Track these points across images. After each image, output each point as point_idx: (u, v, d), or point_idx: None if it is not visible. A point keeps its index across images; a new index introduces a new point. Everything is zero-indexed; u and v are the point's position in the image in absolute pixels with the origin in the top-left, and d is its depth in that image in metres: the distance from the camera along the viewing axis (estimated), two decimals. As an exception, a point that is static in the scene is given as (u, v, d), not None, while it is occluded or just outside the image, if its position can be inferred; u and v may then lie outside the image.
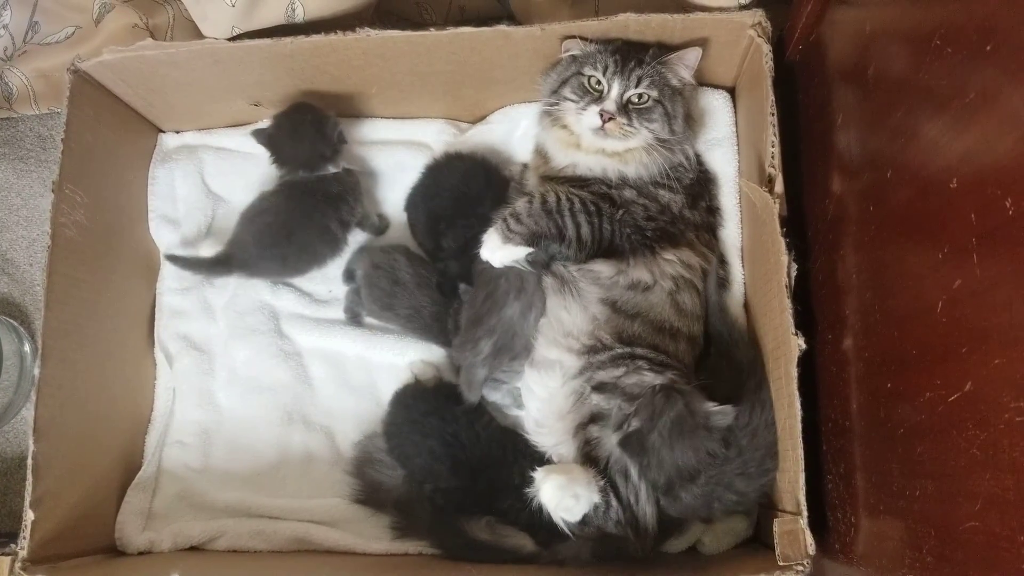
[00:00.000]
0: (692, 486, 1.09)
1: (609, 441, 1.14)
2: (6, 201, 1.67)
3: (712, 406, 1.09)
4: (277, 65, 1.31)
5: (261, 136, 1.37)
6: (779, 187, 1.11)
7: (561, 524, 1.11)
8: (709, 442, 1.08)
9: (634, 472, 1.12)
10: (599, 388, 1.16)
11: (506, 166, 1.42)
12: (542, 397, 1.22)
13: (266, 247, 1.36)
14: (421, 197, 1.40)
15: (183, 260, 1.39)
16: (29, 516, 1.15)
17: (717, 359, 1.23)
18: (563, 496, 1.09)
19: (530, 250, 1.20)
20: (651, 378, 1.14)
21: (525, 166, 1.39)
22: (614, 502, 1.11)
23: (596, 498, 1.10)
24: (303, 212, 1.36)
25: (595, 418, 1.16)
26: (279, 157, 1.38)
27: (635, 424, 1.09)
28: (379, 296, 1.35)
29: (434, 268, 1.36)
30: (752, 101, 1.25)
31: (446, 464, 1.23)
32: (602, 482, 1.11)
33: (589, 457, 1.15)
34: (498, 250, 1.21)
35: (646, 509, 1.12)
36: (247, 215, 1.38)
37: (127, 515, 1.34)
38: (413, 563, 1.27)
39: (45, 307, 1.20)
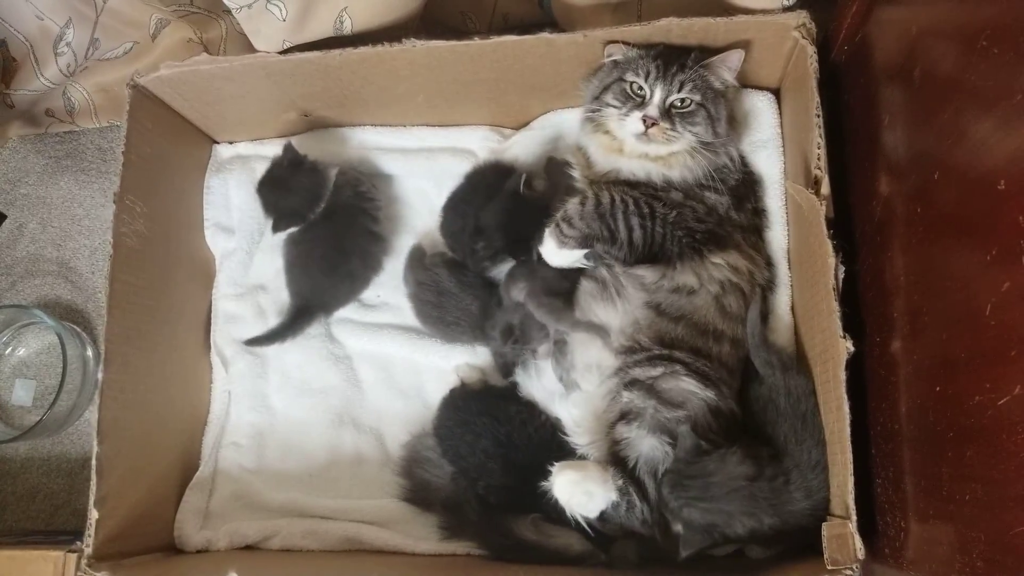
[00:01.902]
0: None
1: (641, 442, 1.13)
2: (69, 211, 1.73)
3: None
4: (326, 76, 1.34)
5: (282, 225, 1.40)
6: (825, 189, 1.10)
7: (580, 520, 1.12)
8: (740, 464, 1.07)
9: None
10: (631, 385, 1.16)
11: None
12: (579, 399, 1.23)
13: (334, 272, 1.40)
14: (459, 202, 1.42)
15: (263, 338, 1.44)
16: (93, 515, 1.19)
17: (767, 394, 1.19)
18: (575, 492, 1.10)
19: (586, 251, 1.22)
20: (689, 385, 1.13)
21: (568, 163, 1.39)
22: (639, 502, 1.11)
23: (613, 496, 1.10)
24: (344, 227, 1.40)
25: (624, 416, 1.16)
26: (293, 221, 1.40)
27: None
28: (428, 310, 1.39)
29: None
30: (797, 102, 1.24)
31: (498, 463, 1.24)
32: (620, 481, 1.11)
33: (618, 457, 1.15)
34: (555, 255, 1.23)
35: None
36: (297, 260, 1.42)
37: (186, 514, 1.39)
38: (461, 564, 1.29)
39: (107, 313, 1.25)
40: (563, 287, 1.27)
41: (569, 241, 1.21)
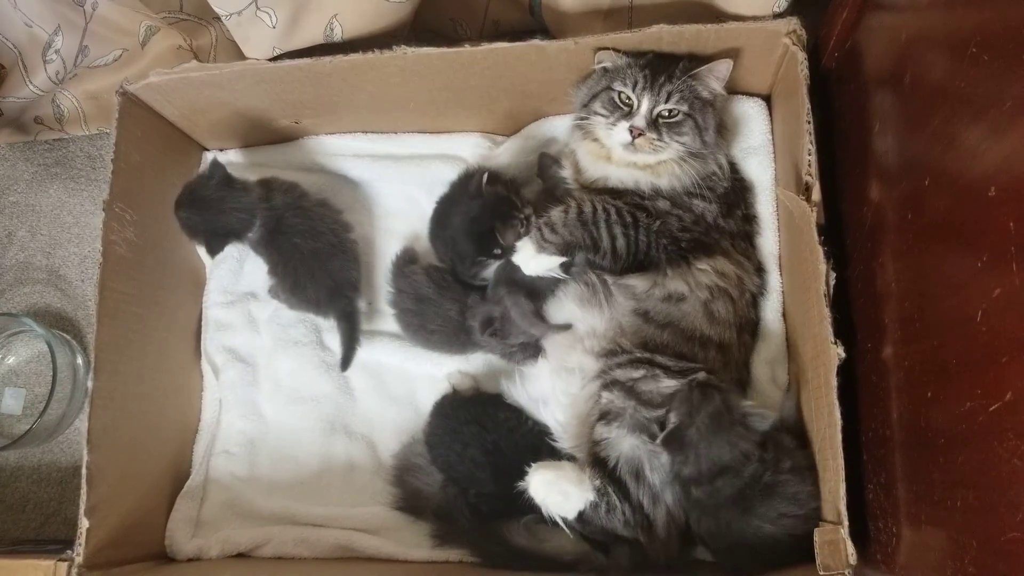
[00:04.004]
0: (723, 480, 1.08)
1: (621, 442, 1.13)
2: (58, 219, 1.72)
3: (749, 405, 1.10)
4: (317, 84, 1.33)
5: (218, 246, 1.35)
6: (816, 195, 1.10)
7: (558, 521, 1.12)
8: (744, 441, 1.09)
9: (648, 474, 1.12)
10: (610, 386, 1.16)
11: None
12: (563, 403, 1.23)
13: (332, 258, 1.39)
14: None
15: (347, 354, 1.41)
16: (84, 524, 1.18)
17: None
18: (550, 492, 1.11)
19: (564, 259, 1.22)
20: (669, 385, 1.14)
21: (558, 162, 1.39)
22: (619, 503, 1.11)
23: (590, 496, 1.10)
24: (306, 230, 1.37)
25: (604, 416, 1.16)
26: (228, 241, 1.36)
27: (674, 420, 1.09)
28: (409, 319, 1.38)
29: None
30: (788, 109, 1.24)
31: (487, 471, 1.24)
32: (598, 482, 1.11)
33: (598, 458, 1.14)
34: (532, 259, 1.23)
35: (663, 512, 1.13)
36: (296, 270, 1.38)
37: (177, 523, 1.38)
38: (454, 571, 1.29)
39: (97, 321, 1.24)
40: (544, 292, 1.28)
41: (548, 247, 1.21)
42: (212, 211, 1.33)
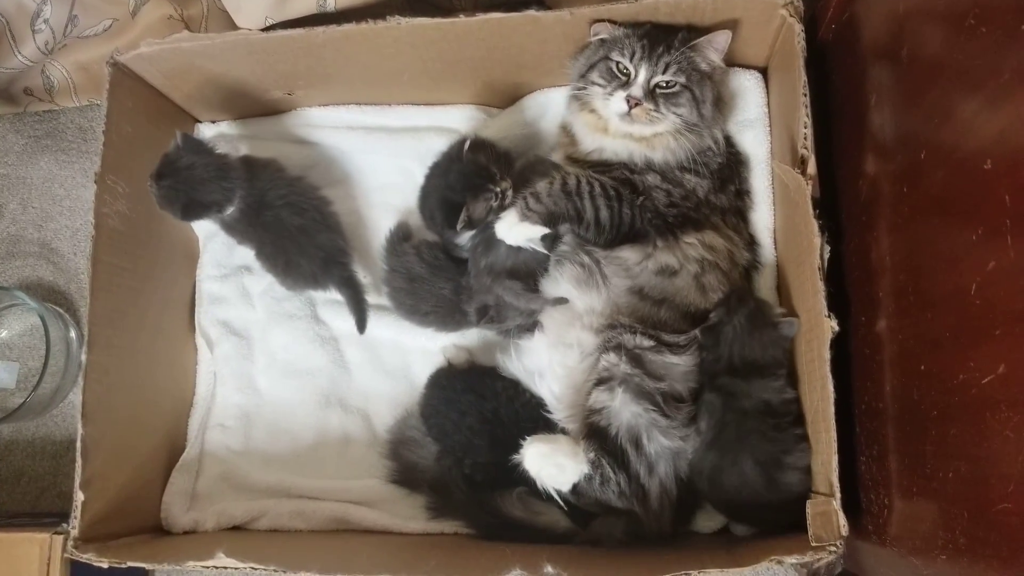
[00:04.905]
0: (752, 384, 1.13)
1: (624, 409, 1.13)
2: (50, 192, 1.71)
3: (780, 313, 1.20)
4: (310, 54, 1.32)
5: (194, 214, 1.34)
6: (812, 168, 1.10)
7: (552, 493, 1.13)
8: (775, 347, 1.16)
9: (646, 443, 1.13)
10: (617, 349, 1.15)
11: (534, 150, 1.42)
12: (560, 375, 1.23)
13: (318, 233, 1.38)
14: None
15: (360, 319, 1.41)
16: (79, 497, 1.19)
17: None
18: (544, 464, 1.12)
19: (546, 231, 1.22)
20: (675, 361, 1.15)
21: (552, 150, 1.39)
22: (613, 474, 1.12)
23: (585, 469, 1.11)
24: (288, 209, 1.36)
25: (602, 382, 1.16)
26: (208, 211, 1.33)
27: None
28: (402, 298, 1.37)
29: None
30: (784, 82, 1.24)
31: (484, 440, 1.25)
32: (592, 454, 1.12)
33: (596, 427, 1.14)
34: (514, 227, 1.22)
35: (657, 483, 1.14)
36: (284, 246, 1.37)
37: (172, 496, 1.39)
38: (449, 542, 1.30)
39: (90, 295, 1.24)
40: (526, 269, 1.27)
41: (532, 215, 1.20)
42: (194, 181, 1.29)
